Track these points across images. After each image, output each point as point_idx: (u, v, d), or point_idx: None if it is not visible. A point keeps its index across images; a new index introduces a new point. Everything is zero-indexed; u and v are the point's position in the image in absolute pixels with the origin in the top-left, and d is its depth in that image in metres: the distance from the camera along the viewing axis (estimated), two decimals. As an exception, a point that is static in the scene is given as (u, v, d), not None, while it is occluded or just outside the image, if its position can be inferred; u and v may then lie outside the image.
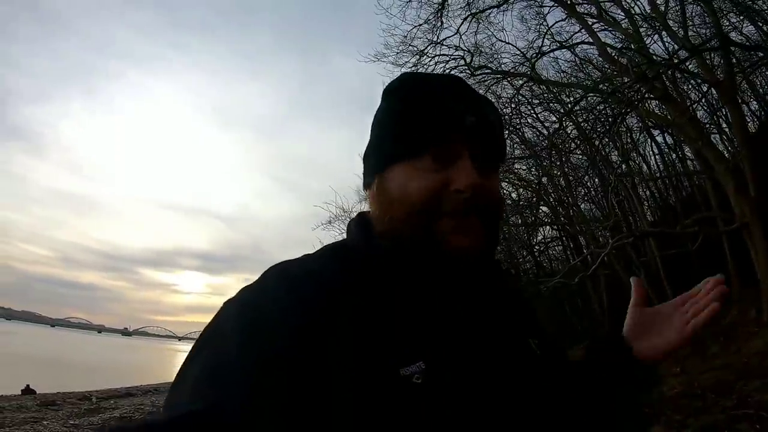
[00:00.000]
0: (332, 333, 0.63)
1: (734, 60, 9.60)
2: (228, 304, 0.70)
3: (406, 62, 13.79)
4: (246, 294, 0.71)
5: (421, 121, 0.77)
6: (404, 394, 0.61)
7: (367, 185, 0.87)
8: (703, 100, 12.95)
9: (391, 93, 0.86)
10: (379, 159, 0.82)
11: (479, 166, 0.76)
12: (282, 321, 0.63)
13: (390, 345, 0.65)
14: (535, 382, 0.75)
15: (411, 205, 0.74)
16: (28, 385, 15.72)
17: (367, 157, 0.87)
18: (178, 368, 0.65)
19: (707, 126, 12.90)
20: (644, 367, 0.90)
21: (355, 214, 0.91)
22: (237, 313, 0.67)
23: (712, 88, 10.29)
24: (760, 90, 15.93)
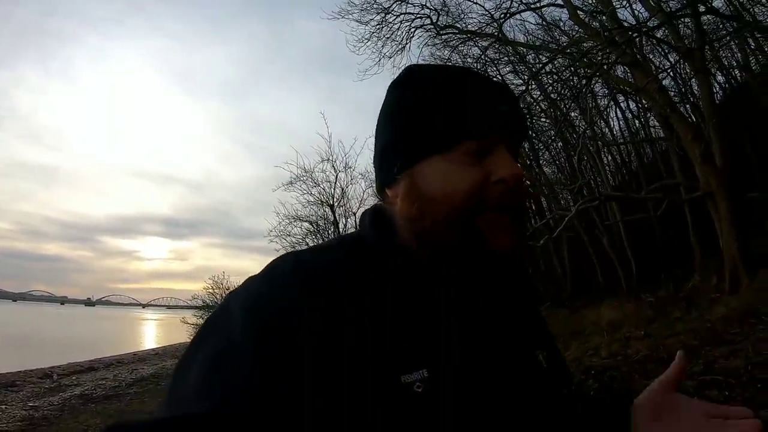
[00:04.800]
0: (337, 329, 0.61)
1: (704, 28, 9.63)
2: (233, 293, 0.68)
3: (371, 20, 13.64)
4: (251, 283, 0.68)
5: (454, 111, 0.72)
6: (404, 402, 0.59)
7: (388, 184, 0.79)
8: (671, 70, 13.06)
9: (405, 84, 0.80)
10: (406, 155, 0.75)
11: (512, 154, 0.74)
12: (289, 308, 0.61)
13: (393, 349, 0.62)
14: (541, 396, 0.72)
15: (453, 203, 0.70)
16: None
17: (385, 155, 0.79)
18: (181, 357, 0.63)
19: (675, 95, 13.06)
20: None
21: (367, 205, 0.81)
22: (243, 300, 0.65)
23: (682, 59, 10.38)
24: (726, 63, 16.23)
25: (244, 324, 0.60)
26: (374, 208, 0.83)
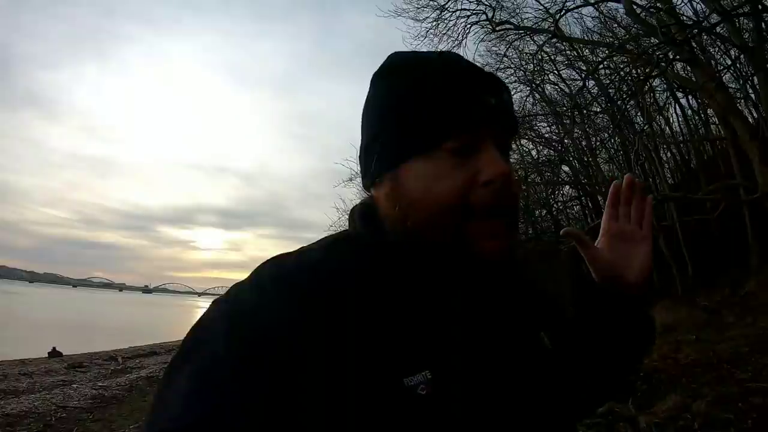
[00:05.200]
0: (329, 336, 0.58)
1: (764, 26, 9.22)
2: (218, 301, 0.65)
3: (427, 17, 13.67)
4: (236, 290, 0.65)
5: (438, 106, 0.69)
6: (407, 406, 0.57)
7: (373, 184, 0.77)
8: (731, 66, 12.50)
9: (388, 76, 0.77)
10: (389, 154, 0.72)
11: (500, 150, 0.70)
12: (273, 317, 0.59)
13: (393, 351, 0.60)
14: (547, 382, 0.72)
15: (438, 207, 0.67)
16: (54, 348, 15.91)
17: (368, 152, 0.76)
18: (169, 365, 0.61)
19: (734, 92, 12.52)
20: (634, 300, 0.89)
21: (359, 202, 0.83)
22: (226, 310, 0.62)
23: (742, 55, 9.99)
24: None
25: (228, 339, 0.58)
26: (363, 204, 0.80)
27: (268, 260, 0.70)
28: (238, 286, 0.66)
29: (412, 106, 0.70)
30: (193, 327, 0.63)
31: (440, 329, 0.65)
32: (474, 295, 0.71)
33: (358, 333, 0.60)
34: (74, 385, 10.23)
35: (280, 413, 0.54)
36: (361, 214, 0.78)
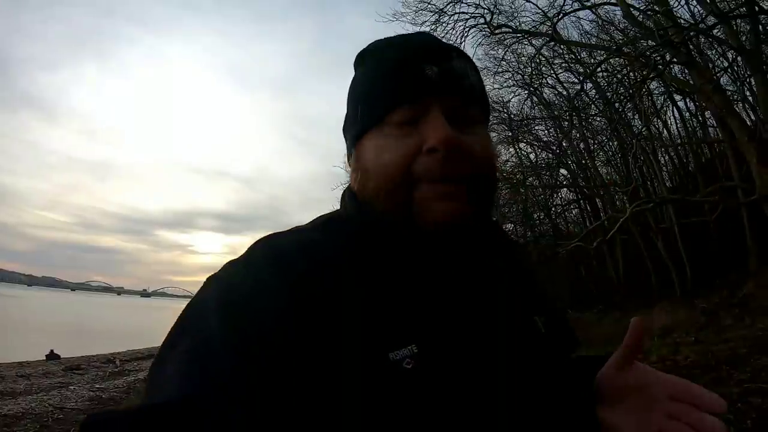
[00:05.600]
0: (319, 312, 0.58)
1: (761, 28, 9.26)
2: (211, 280, 0.65)
3: (425, 22, 13.71)
4: (230, 270, 0.65)
5: (383, 84, 0.72)
6: (392, 380, 0.56)
7: (347, 161, 0.83)
8: (729, 68, 12.55)
9: (357, 62, 0.83)
10: (352, 132, 0.78)
11: (455, 120, 0.69)
12: (267, 301, 0.59)
13: (380, 326, 0.59)
14: (540, 362, 0.69)
15: (385, 176, 0.69)
16: (52, 350, 15.82)
17: (344, 132, 0.83)
18: (161, 347, 0.59)
19: (732, 94, 12.56)
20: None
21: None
22: (220, 291, 0.62)
23: (739, 57, 10.03)
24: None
25: (220, 317, 0.57)
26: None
27: (261, 239, 0.70)
28: (231, 267, 0.66)
29: (366, 85, 0.76)
30: (188, 304, 0.63)
31: (430, 305, 0.64)
32: (467, 272, 0.70)
33: (346, 308, 0.60)
34: (72, 387, 10.17)
35: (270, 399, 0.53)
36: (351, 193, 0.78)
